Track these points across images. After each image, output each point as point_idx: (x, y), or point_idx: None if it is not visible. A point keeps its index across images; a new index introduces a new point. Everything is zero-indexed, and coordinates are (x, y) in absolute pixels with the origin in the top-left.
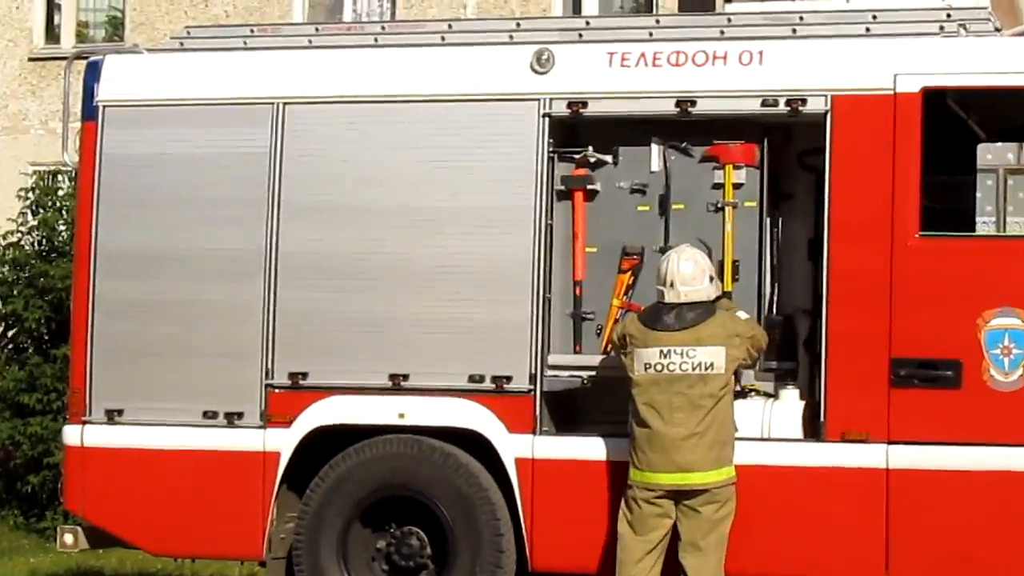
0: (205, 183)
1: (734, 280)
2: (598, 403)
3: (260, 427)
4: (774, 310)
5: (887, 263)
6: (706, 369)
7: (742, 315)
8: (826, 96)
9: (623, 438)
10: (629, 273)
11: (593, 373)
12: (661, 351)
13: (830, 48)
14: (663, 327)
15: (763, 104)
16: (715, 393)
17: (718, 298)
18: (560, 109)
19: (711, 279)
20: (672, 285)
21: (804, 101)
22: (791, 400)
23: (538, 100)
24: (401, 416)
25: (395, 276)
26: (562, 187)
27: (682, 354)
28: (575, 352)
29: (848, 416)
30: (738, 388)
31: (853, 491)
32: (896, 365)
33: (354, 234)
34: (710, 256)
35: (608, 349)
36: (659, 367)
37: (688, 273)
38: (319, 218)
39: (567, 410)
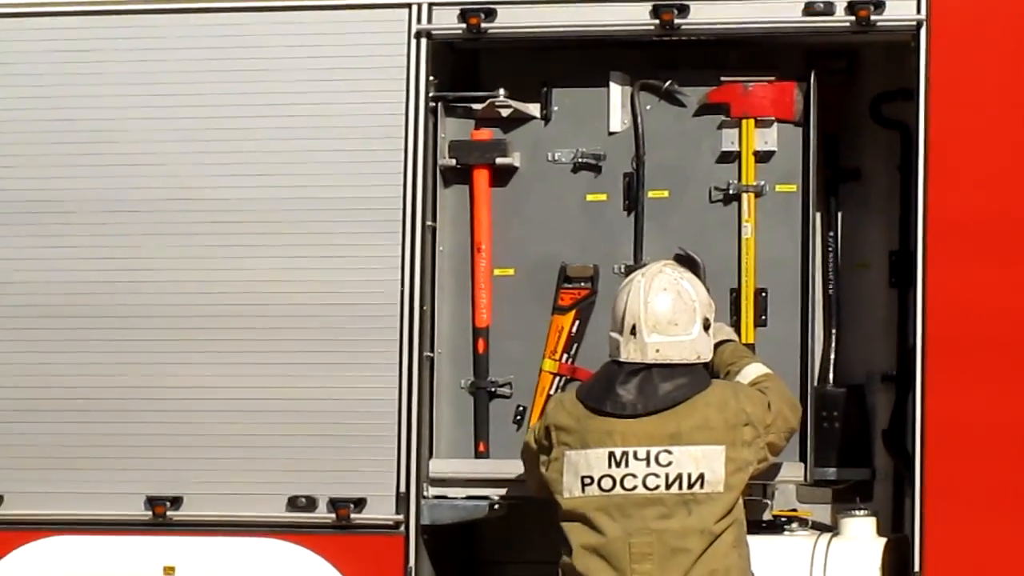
0: None
1: (757, 324)
2: (523, 542)
3: None
4: (830, 377)
5: None
6: (691, 486)
7: (752, 370)
8: None
9: None
10: (572, 314)
11: (509, 492)
12: (611, 455)
13: None
14: (615, 409)
15: (807, 11)
16: (709, 528)
17: (719, 344)
18: (447, 23)
19: (705, 325)
20: (635, 332)
21: (880, 5)
22: (862, 535)
23: (408, 7)
24: (169, 572)
25: (153, 321)
26: (453, 162)
27: (649, 459)
28: (477, 455)
29: (962, 563)
30: (766, 517)
31: None
32: None
33: (74, 248)
34: (705, 281)
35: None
36: (608, 483)
37: (664, 312)
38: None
39: (464, 557)
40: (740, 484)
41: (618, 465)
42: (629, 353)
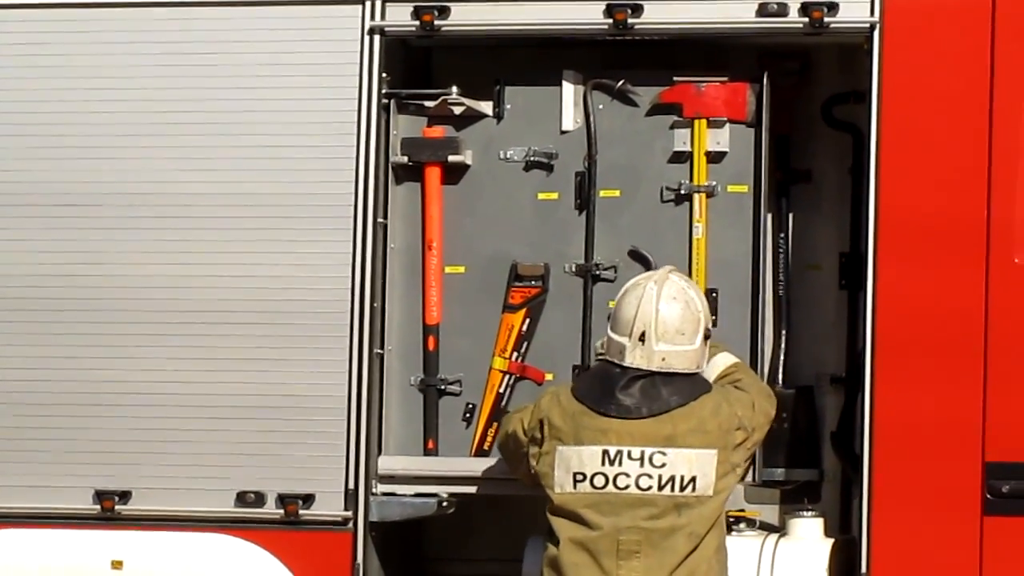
0: None
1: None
2: (471, 539)
3: None
4: (779, 378)
5: (979, 295)
6: (683, 488)
7: (721, 360)
8: None
9: None
10: (523, 312)
11: (459, 488)
12: (605, 452)
13: None
14: (615, 410)
15: (760, 12)
16: (697, 531)
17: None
18: (400, 20)
19: (706, 335)
20: (643, 338)
21: (833, 7)
22: (810, 536)
23: (361, 3)
24: (116, 566)
25: (101, 315)
26: (405, 159)
27: (643, 459)
28: (426, 452)
29: (909, 564)
30: None
31: None
32: (993, 474)
33: (23, 242)
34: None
35: (497, 443)
36: (601, 480)
37: (673, 321)
38: None
39: (412, 554)
40: (727, 488)
41: (611, 463)
42: (635, 359)
